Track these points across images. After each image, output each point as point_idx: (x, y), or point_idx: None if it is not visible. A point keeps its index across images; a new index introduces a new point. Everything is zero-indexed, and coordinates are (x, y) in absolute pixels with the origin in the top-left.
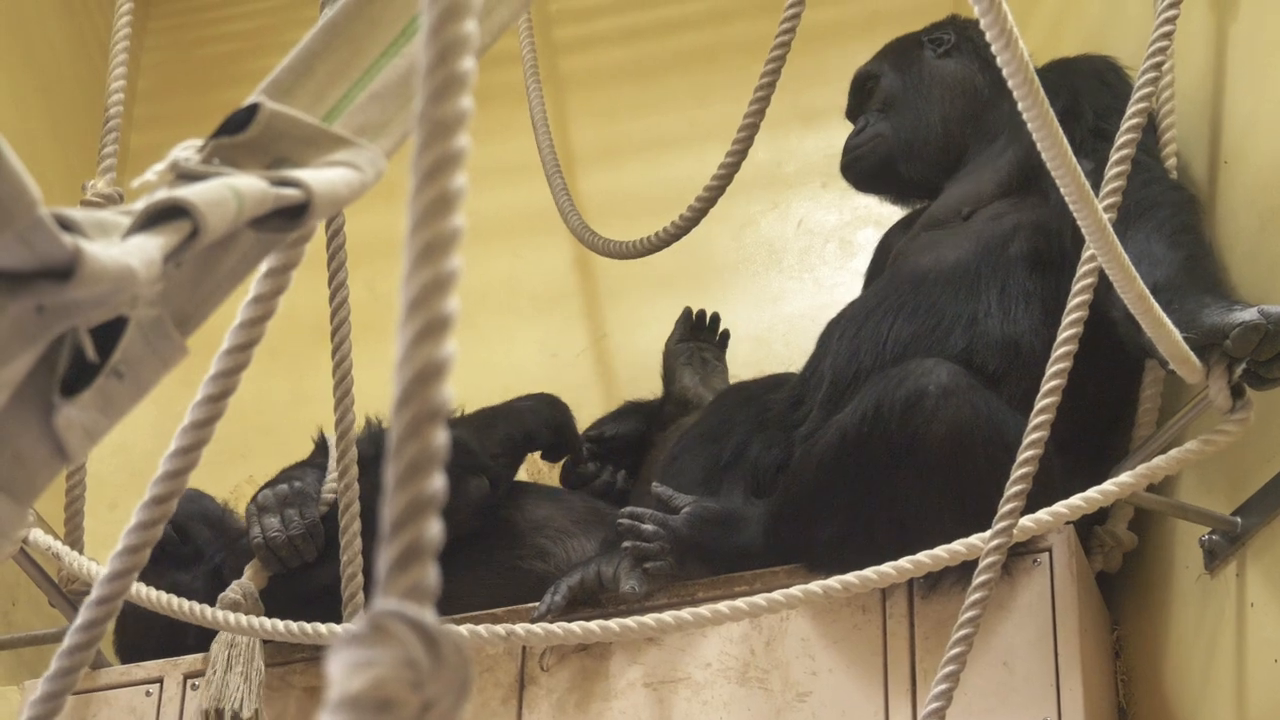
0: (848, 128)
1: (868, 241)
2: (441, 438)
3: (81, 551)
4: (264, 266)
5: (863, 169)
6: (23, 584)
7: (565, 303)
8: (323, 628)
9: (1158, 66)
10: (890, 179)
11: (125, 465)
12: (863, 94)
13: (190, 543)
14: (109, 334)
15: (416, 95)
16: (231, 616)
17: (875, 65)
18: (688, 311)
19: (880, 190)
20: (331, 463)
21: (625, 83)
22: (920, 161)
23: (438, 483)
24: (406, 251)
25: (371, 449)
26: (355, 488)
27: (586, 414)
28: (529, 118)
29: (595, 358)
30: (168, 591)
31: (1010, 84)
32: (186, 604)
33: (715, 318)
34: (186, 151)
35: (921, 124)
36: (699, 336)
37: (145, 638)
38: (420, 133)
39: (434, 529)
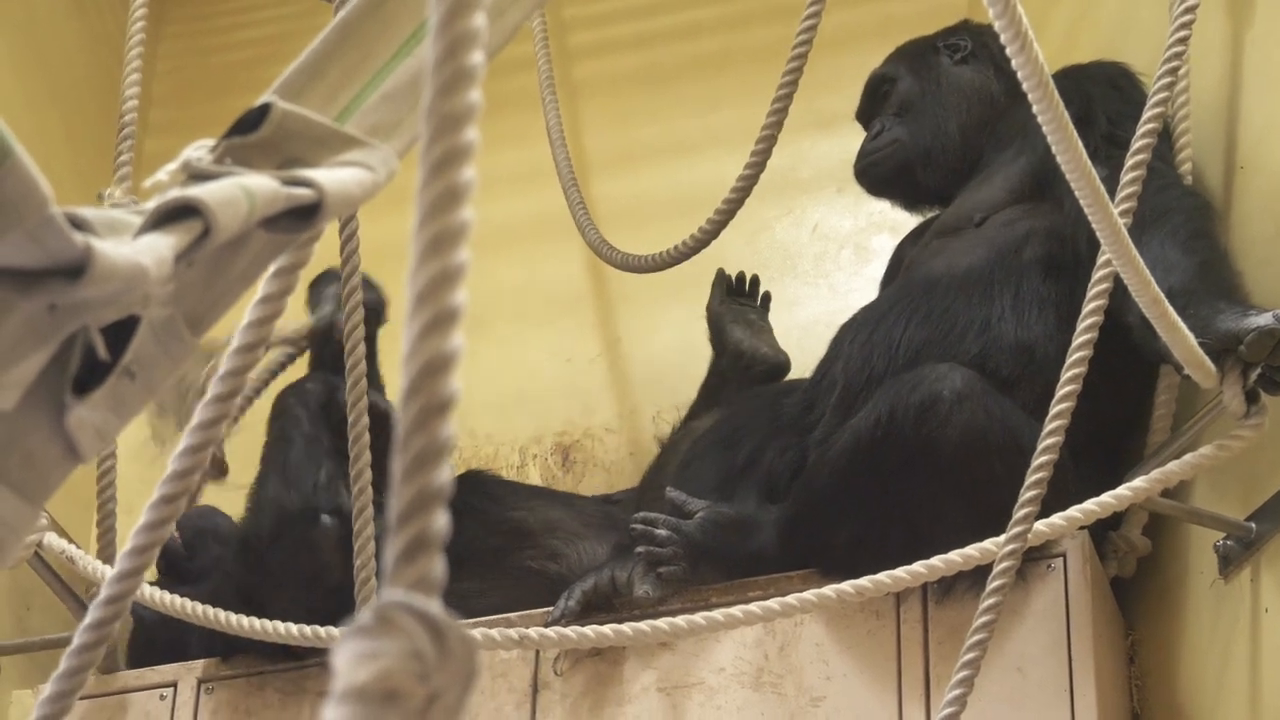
0: (862, 133)
1: (883, 247)
2: (450, 429)
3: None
4: (272, 267)
5: (880, 174)
6: (38, 588)
7: (578, 308)
8: (336, 630)
9: (1173, 72)
10: (906, 185)
11: (140, 469)
12: (877, 97)
13: (197, 559)
14: (121, 334)
15: (425, 90)
16: (245, 621)
17: (891, 68)
18: (722, 273)
19: (894, 195)
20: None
21: (639, 89)
22: (937, 169)
23: (445, 474)
24: (414, 244)
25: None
26: (369, 490)
27: (599, 419)
28: (542, 124)
29: (608, 363)
30: None
31: (1025, 88)
32: (199, 607)
33: (755, 280)
34: (198, 151)
35: (940, 131)
36: (740, 298)
37: (150, 646)
38: (429, 126)
39: (441, 521)
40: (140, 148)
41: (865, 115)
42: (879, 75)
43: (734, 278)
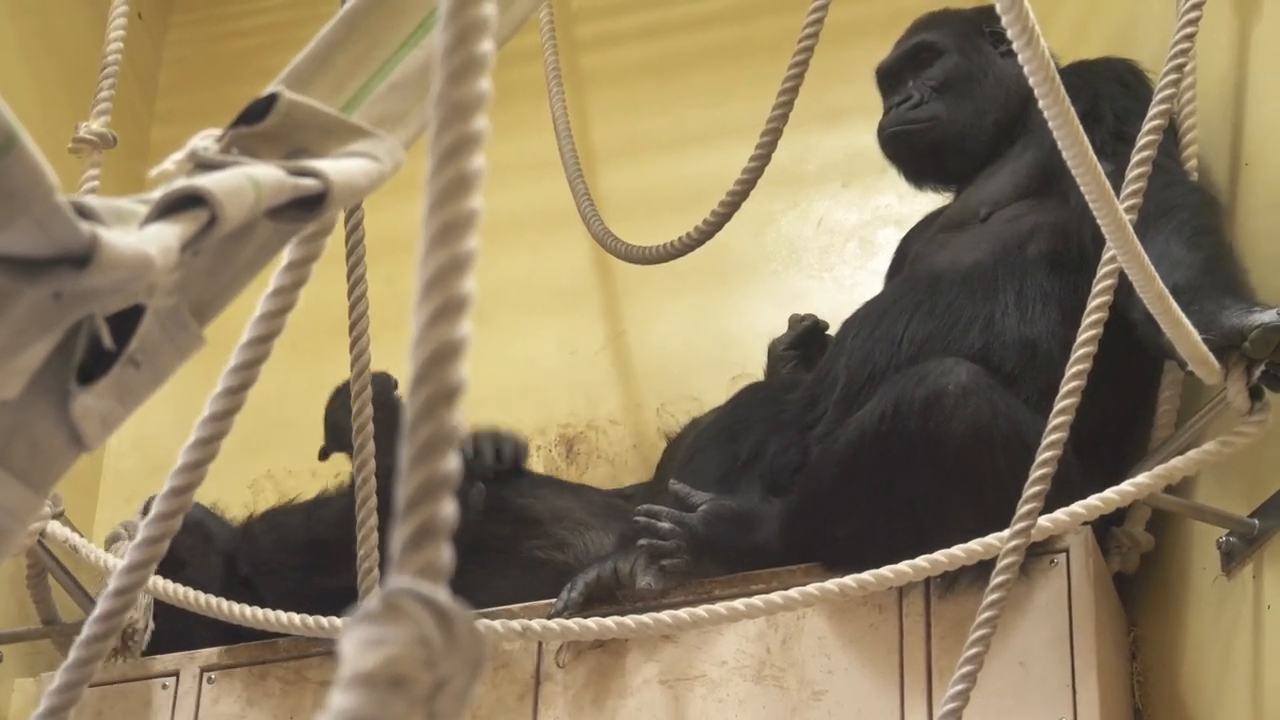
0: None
1: (888, 241)
2: (458, 417)
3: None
4: (284, 259)
5: (910, 144)
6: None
7: (583, 300)
8: (338, 620)
9: (1179, 68)
10: (929, 163)
11: (145, 460)
12: (915, 62)
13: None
14: (126, 323)
15: (435, 78)
16: (249, 610)
17: (938, 37)
18: (799, 322)
19: (910, 168)
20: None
21: (646, 80)
22: (965, 157)
23: (453, 462)
24: (423, 232)
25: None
26: (372, 481)
27: (603, 411)
28: (548, 115)
29: (613, 355)
30: None
31: (1031, 82)
32: (203, 597)
33: (824, 326)
34: (205, 141)
35: (979, 122)
36: (809, 344)
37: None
38: (438, 114)
39: (448, 508)
40: (147, 136)
41: (894, 75)
42: (925, 41)
43: (809, 325)
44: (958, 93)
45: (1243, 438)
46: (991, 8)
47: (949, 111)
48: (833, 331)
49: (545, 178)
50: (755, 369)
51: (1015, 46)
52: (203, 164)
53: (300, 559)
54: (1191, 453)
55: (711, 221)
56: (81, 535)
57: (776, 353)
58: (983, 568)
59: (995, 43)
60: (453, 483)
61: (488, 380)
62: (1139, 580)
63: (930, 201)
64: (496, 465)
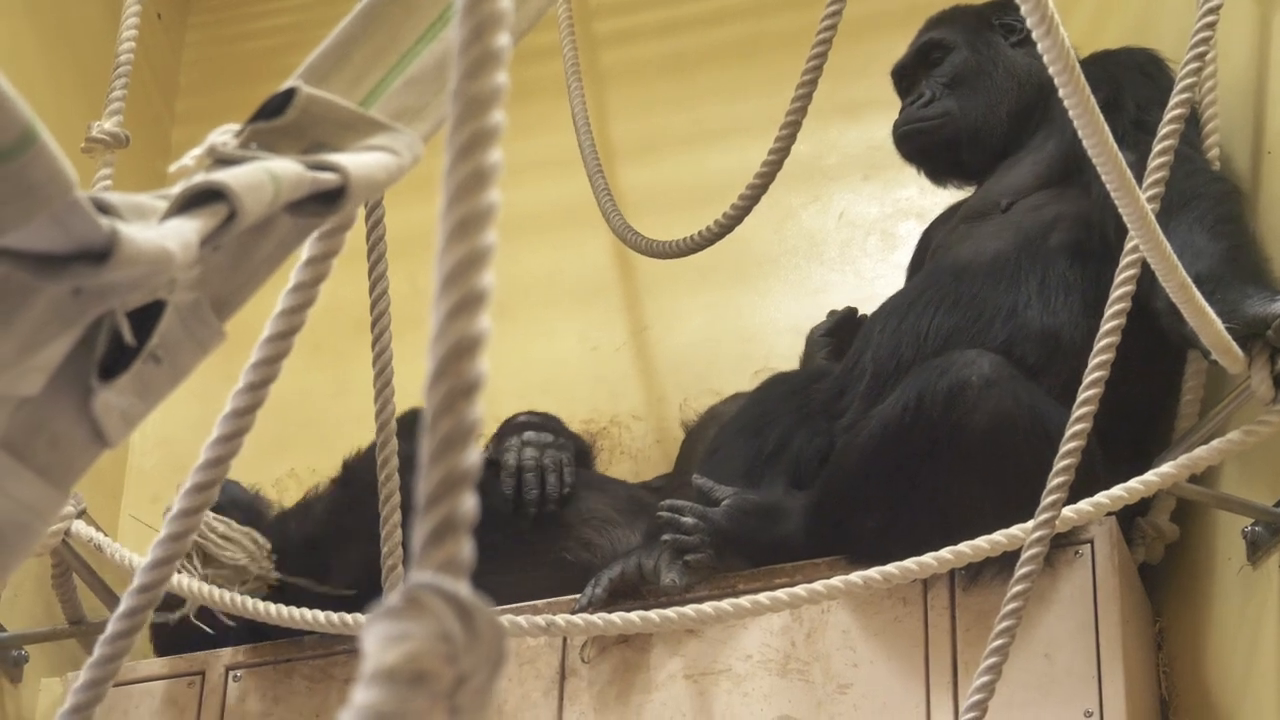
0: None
1: (909, 234)
2: (477, 411)
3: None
4: (304, 255)
5: (924, 143)
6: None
7: (605, 296)
8: (361, 617)
9: (1200, 57)
10: (945, 159)
11: (168, 459)
12: (926, 60)
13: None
14: (147, 318)
15: (451, 73)
16: (272, 608)
17: (947, 34)
18: (837, 312)
19: (927, 165)
20: None
21: (664, 76)
22: (981, 150)
23: (473, 456)
24: (441, 227)
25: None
26: (396, 478)
27: (626, 406)
28: (567, 112)
29: (635, 351)
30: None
31: (1051, 71)
32: (227, 595)
33: (863, 320)
34: (224, 136)
35: (992, 114)
36: (844, 332)
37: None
38: (455, 109)
39: (469, 503)
40: (167, 136)
41: (908, 74)
42: (934, 39)
43: (847, 314)
44: (969, 87)
45: (1267, 426)
46: (1001, 2)
47: (961, 106)
48: None
49: (565, 174)
50: (777, 363)
51: (1035, 36)
52: (222, 159)
53: (302, 561)
54: (1216, 442)
55: (731, 215)
56: (105, 534)
57: (813, 339)
58: (1007, 559)
59: (1006, 34)
60: (474, 477)
61: (510, 376)
62: (1164, 571)
63: (952, 195)
64: (542, 503)
